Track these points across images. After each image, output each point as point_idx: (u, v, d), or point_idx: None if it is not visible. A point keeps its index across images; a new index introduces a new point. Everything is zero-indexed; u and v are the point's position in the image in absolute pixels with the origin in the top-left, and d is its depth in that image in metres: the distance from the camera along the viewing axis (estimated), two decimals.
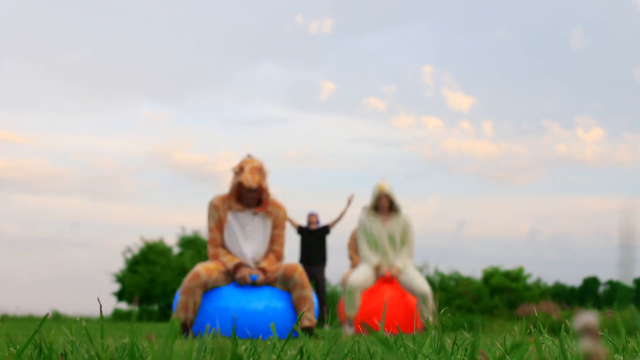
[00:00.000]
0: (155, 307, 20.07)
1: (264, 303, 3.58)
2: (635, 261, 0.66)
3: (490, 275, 20.94)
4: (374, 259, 5.08)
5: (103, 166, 28.74)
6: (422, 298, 4.87)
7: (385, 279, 5.06)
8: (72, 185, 28.28)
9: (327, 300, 8.53)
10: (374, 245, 5.13)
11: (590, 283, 33.44)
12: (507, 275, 20.55)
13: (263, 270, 3.68)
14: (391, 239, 5.11)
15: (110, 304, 20.31)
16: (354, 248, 7.21)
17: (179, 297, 3.53)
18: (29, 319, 10.83)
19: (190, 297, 3.48)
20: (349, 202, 8.01)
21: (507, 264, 20.57)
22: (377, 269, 5.05)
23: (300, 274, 3.63)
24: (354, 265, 7.25)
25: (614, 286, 32.63)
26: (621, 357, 0.70)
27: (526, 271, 20.79)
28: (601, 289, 33.34)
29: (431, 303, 4.88)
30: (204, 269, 3.56)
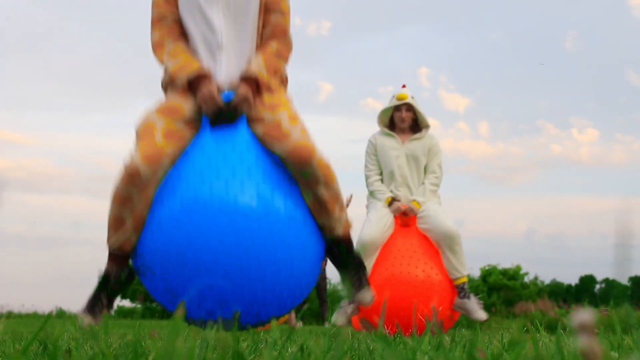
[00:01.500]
0: (158, 304, 20.12)
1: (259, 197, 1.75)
2: (630, 260, 0.67)
3: (488, 274, 20.95)
4: (387, 192, 3.62)
5: (104, 166, 28.89)
6: (446, 242, 3.37)
7: (402, 220, 3.57)
8: (74, 184, 28.38)
9: (328, 298, 8.54)
10: (389, 174, 3.66)
11: (587, 281, 33.37)
12: (505, 273, 20.54)
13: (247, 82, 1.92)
14: (412, 167, 3.66)
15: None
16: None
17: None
18: (34, 316, 10.88)
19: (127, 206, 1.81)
20: (348, 203, 8.02)
21: (505, 263, 20.53)
22: (390, 204, 3.58)
23: (322, 165, 1.83)
24: None
25: (610, 284, 32.56)
26: (617, 354, 0.70)
27: (523, 269, 20.80)
28: (597, 287, 33.26)
29: (460, 251, 3.40)
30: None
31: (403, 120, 3.74)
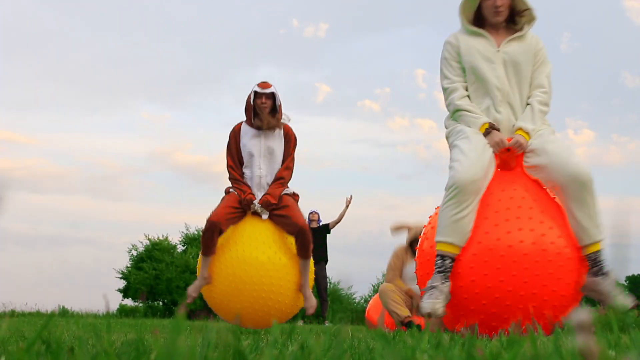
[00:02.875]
0: (160, 303, 20.18)
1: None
2: (627, 259, 0.68)
3: None
4: (481, 114, 2.50)
5: (106, 166, 28.96)
6: (574, 189, 2.30)
7: (503, 160, 2.49)
8: (75, 184, 28.48)
9: (328, 297, 8.54)
10: (480, 89, 2.54)
11: None
12: None
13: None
14: (512, 78, 2.54)
15: (116, 301, 20.42)
16: (396, 269, 4.48)
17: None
18: (37, 315, 10.91)
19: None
20: (348, 204, 8.05)
21: None
22: (487, 134, 2.45)
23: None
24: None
25: None
26: (614, 353, 0.71)
27: None
28: None
29: (593, 203, 2.32)
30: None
31: (498, 11, 2.54)
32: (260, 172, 3.66)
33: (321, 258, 8.05)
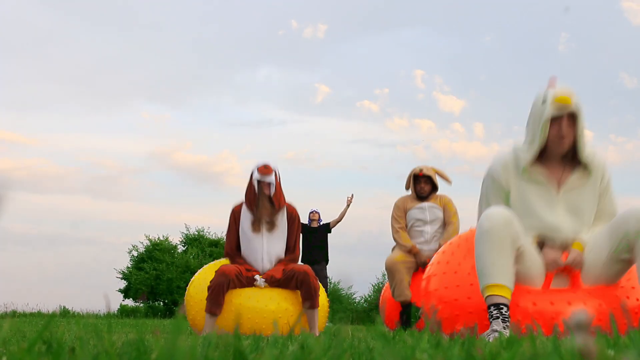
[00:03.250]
0: (161, 303, 20.18)
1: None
2: None
3: None
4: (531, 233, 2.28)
5: (106, 166, 29.00)
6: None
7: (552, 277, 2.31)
8: (76, 184, 28.50)
9: (328, 297, 8.56)
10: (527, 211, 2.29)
11: None
12: None
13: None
14: (573, 210, 2.30)
15: (116, 301, 20.43)
16: (400, 220, 4.44)
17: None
18: (38, 315, 10.92)
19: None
20: (349, 203, 8.04)
21: None
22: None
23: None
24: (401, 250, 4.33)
25: None
26: (613, 353, 0.71)
27: None
28: None
29: None
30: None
31: (561, 138, 2.32)
32: (262, 258, 3.60)
33: (322, 258, 8.05)
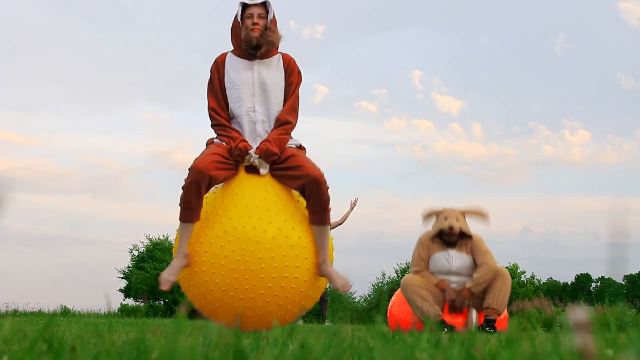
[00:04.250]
0: (161, 303, 20.21)
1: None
2: (625, 259, 0.68)
3: None
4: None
5: (106, 166, 29.03)
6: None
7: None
8: (76, 184, 28.53)
9: (327, 297, 8.54)
10: None
11: (583, 280, 33.55)
12: None
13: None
14: None
15: (117, 300, 20.46)
16: (423, 259, 4.04)
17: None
18: (39, 314, 10.93)
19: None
20: (352, 207, 8.03)
21: (501, 262, 20.63)
22: None
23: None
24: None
25: (605, 283, 32.76)
26: (612, 352, 0.72)
27: (520, 268, 20.82)
28: (593, 285, 33.49)
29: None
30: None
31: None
32: (254, 116, 2.67)
33: None
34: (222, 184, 2.67)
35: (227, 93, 2.75)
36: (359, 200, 7.87)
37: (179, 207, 2.54)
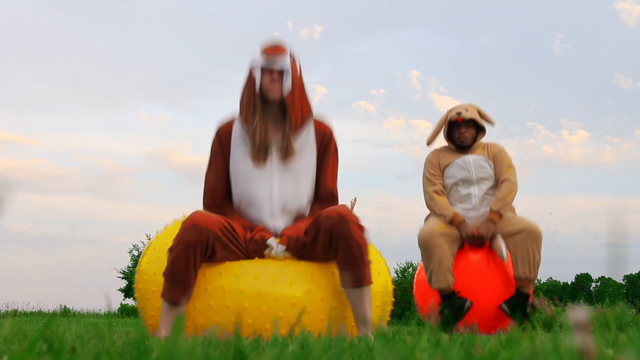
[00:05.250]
0: None
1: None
2: (624, 258, 0.69)
3: None
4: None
5: (105, 166, 29.05)
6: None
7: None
8: (75, 184, 28.54)
9: None
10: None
11: (583, 279, 33.60)
12: None
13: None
14: None
15: (117, 300, 20.46)
16: (435, 179, 3.31)
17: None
18: (39, 314, 10.93)
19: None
20: (352, 207, 8.02)
21: None
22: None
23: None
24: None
25: (605, 283, 32.81)
26: (612, 352, 0.72)
27: None
28: (593, 285, 33.55)
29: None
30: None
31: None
32: (278, 193, 2.03)
33: None
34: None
35: (232, 180, 2.18)
36: (358, 200, 7.85)
37: (165, 279, 1.86)
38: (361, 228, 1.87)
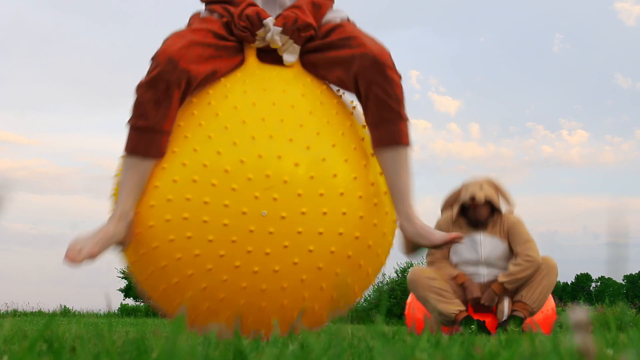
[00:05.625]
0: None
1: None
2: (624, 258, 0.68)
3: None
4: None
5: (104, 166, 29.11)
6: None
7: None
8: (75, 184, 28.59)
9: None
10: None
11: (583, 279, 33.61)
12: None
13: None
14: None
15: (117, 300, 20.47)
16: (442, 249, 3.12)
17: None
18: (39, 314, 10.93)
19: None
20: None
21: None
22: None
23: None
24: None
25: (605, 283, 32.83)
26: (612, 352, 0.72)
27: None
28: (593, 285, 33.55)
29: None
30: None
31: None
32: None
33: None
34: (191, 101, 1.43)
35: None
36: None
37: (127, 128, 1.42)
38: (398, 76, 1.51)
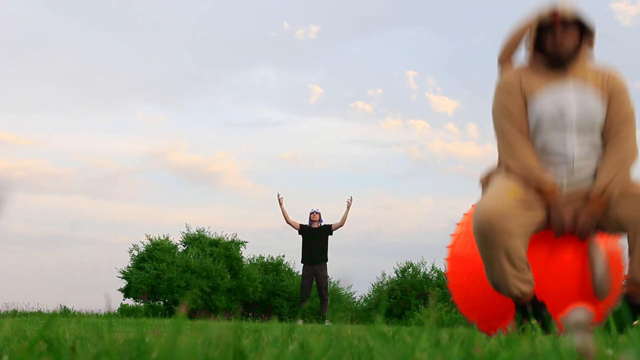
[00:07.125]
0: (161, 302, 20.26)
1: None
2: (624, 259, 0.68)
3: None
4: None
5: (103, 166, 29.12)
6: None
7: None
8: (74, 184, 28.60)
9: (328, 296, 8.62)
10: None
11: None
12: None
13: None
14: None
15: (117, 300, 20.49)
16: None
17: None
18: (39, 315, 10.93)
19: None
20: (349, 206, 8.11)
21: None
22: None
23: None
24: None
25: None
26: (611, 352, 0.72)
27: None
28: None
29: None
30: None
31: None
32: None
33: (322, 259, 8.10)
34: None
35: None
36: (355, 200, 7.94)
37: None
38: None
